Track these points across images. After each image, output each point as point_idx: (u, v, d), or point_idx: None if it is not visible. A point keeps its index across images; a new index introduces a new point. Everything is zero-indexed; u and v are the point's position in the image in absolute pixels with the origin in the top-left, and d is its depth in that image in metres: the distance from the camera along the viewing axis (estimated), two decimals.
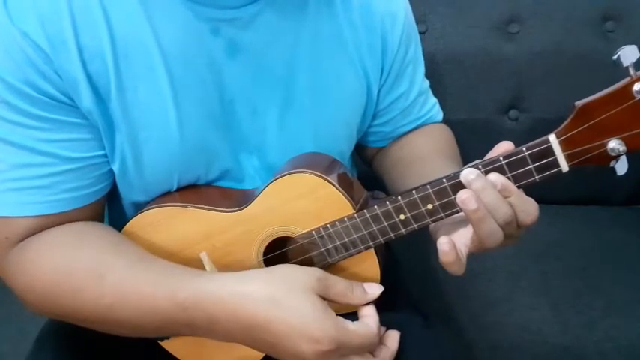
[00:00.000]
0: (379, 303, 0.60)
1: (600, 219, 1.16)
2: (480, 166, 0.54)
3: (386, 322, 0.62)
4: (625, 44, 1.23)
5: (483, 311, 0.95)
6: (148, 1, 0.59)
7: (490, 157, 0.55)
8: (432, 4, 1.15)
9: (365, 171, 0.87)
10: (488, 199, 0.53)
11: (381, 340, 0.60)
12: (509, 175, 0.53)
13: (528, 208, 0.54)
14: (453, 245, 0.55)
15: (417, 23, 1.12)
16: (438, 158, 0.72)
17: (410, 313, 0.72)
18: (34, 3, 0.56)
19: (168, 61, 0.60)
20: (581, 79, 1.09)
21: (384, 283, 0.64)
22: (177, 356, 0.70)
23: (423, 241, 1.06)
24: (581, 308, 0.96)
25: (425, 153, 0.74)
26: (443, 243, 0.55)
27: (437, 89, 1.13)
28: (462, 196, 0.53)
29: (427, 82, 0.81)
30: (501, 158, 0.53)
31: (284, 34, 0.64)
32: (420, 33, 1.14)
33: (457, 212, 0.56)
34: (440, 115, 0.82)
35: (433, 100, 0.82)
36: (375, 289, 0.60)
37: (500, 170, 0.53)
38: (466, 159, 0.77)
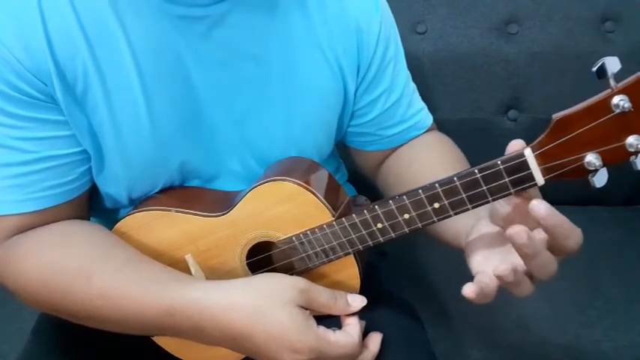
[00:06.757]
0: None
1: (600, 219, 1.16)
2: (455, 179, 0.54)
3: (369, 322, 0.63)
4: (624, 45, 1.23)
5: (482, 311, 0.95)
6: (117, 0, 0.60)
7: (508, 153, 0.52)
8: (431, 5, 1.14)
9: (356, 170, 0.87)
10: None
11: (362, 343, 0.61)
12: (484, 187, 0.53)
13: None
14: (479, 290, 0.52)
15: (417, 24, 1.14)
16: None
17: (395, 313, 0.73)
18: (7, 12, 0.57)
19: (138, 58, 0.61)
20: (580, 79, 1.08)
21: (371, 281, 0.65)
22: (167, 349, 0.71)
23: (422, 244, 1.07)
24: (580, 308, 0.96)
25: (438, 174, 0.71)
26: (469, 292, 0.52)
27: (436, 89, 1.15)
28: (512, 230, 0.50)
29: (413, 85, 0.79)
30: (476, 171, 0.53)
31: (254, 32, 0.64)
32: (420, 33, 1.14)
33: (433, 222, 0.57)
34: (429, 120, 0.80)
35: (421, 104, 0.80)
36: (358, 302, 0.61)
37: (475, 183, 0.53)
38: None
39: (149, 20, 0.60)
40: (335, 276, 0.66)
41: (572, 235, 0.51)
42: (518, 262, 0.52)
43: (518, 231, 0.49)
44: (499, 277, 0.51)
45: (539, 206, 0.49)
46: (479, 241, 0.58)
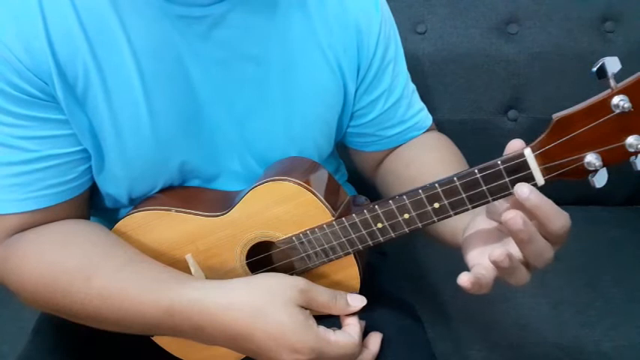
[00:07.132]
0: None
1: (600, 219, 1.16)
2: (455, 179, 0.54)
3: (369, 322, 0.63)
4: (624, 44, 1.23)
5: (482, 310, 0.95)
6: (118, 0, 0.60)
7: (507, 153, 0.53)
8: (431, 5, 1.14)
9: (356, 170, 0.87)
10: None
11: (362, 343, 0.61)
12: (484, 187, 0.53)
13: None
14: (475, 280, 0.52)
15: (417, 24, 1.14)
16: None
17: (395, 313, 0.73)
18: (7, 12, 0.57)
19: (139, 58, 0.61)
20: (580, 79, 1.09)
21: (371, 281, 0.65)
22: (167, 349, 0.71)
23: (422, 244, 1.08)
24: (580, 308, 0.96)
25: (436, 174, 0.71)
26: (464, 281, 0.52)
27: (436, 89, 1.15)
28: (507, 215, 0.50)
29: (413, 86, 0.79)
30: (476, 171, 0.53)
31: (254, 32, 0.64)
32: (420, 33, 1.14)
33: (433, 222, 0.57)
34: (429, 120, 0.80)
35: (420, 104, 0.80)
36: (358, 302, 0.61)
37: (475, 183, 0.53)
38: (465, 160, 0.77)
39: (149, 20, 0.60)
40: (335, 276, 0.66)
41: (557, 216, 0.51)
42: (514, 249, 0.52)
43: (513, 216, 0.50)
44: (494, 263, 0.51)
45: (522, 188, 0.50)
46: (475, 237, 0.58)
